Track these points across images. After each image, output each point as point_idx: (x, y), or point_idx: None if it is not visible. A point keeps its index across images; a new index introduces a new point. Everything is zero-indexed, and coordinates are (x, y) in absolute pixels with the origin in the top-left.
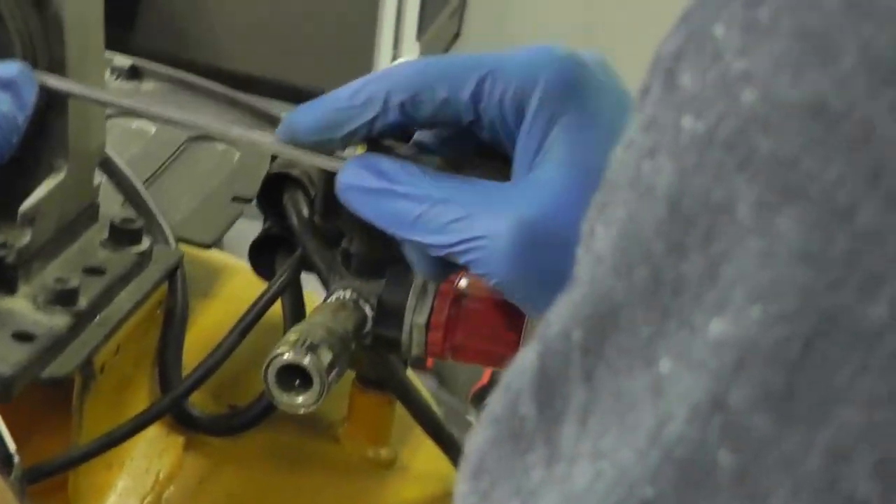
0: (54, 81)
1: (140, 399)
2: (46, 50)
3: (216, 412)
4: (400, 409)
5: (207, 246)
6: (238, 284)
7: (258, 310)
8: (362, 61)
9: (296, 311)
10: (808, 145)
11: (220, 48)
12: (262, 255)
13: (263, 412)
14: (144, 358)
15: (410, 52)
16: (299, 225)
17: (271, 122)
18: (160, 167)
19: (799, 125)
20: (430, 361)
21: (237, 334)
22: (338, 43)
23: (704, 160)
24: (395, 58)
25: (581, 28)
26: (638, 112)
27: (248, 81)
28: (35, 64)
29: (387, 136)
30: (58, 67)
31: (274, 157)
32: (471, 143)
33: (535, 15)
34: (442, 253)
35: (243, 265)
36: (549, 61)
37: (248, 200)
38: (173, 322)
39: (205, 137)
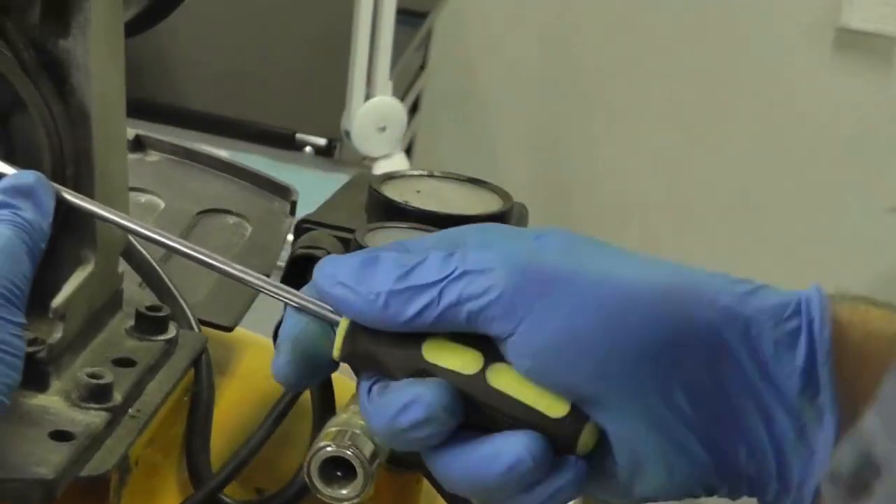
0: (68, 196)
1: (169, 487)
2: (71, 138)
3: (243, 496)
4: (426, 485)
5: (229, 329)
6: (256, 360)
7: (290, 398)
8: (335, 101)
9: (325, 396)
10: None
11: (190, 91)
12: None
13: (294, 497)
14: (173, 446)
15: (384, 90)
16: None
17: (278, 191)
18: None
19: None
20: None
21: (270, 423)
22: (310, 83)
23: None
24: (368, 96)
25: (543, 57)
26: None
27: (219, 124)
28: (62, 150)
29: None
30: (83, 156)
31: (297, 236)
32: None
33: (499, 44)
34: (435, 292)
35: (258, 338)
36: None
37: (266, 276)
38: (200, 408)
39: (215, 210)
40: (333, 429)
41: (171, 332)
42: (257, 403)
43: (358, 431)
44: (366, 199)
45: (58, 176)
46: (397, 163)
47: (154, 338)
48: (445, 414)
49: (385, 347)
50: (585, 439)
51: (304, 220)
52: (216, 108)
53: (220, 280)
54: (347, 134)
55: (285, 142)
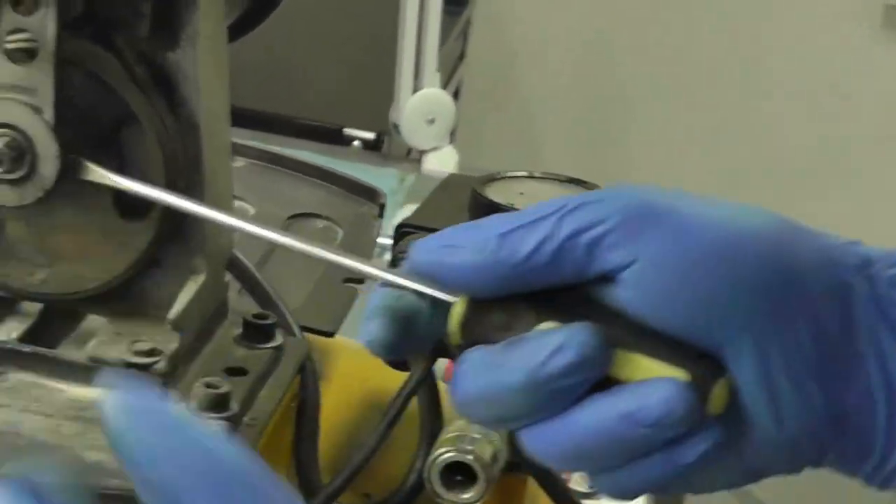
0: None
1: None
2: (183, 149)
3: (352, 502)
4: (531, 487)
5: (331, 334)
6: (350, 364)
7: (398, 406)
8: (382, 94)
9: (432, 401)
10: None
11: (236, 88)
12: None
13: (404, 502)
14: (283, 453)
15: (432, 82)
16: None
17: (366, 193)
18: (269, 249)
19: None
20: None
21: (382, 430)
22: (357, 78)
23: None
24: (416, 89)
25: (583, 44)
26: None
27: (267, 121)
28: (175, 162)
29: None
30: (193, 167)
31: (396, 241)
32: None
33: (538, 31)
34: (552, 221)
35: (350, 342)
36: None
37: (360, 281)
38: (307, 414)
39: (305, 215)
40: (452, 434)
41: (278, 339)
42: (356, 408)
43: (477, 436)
44: (468, 202)
45: (172, 188)
46: (447, 155)
47: (262, 346)
48: (599, 354)
49: (509, 315)
50: (718, 394)
51: (403, 224)
52: (263, 105)
53: (317, 285)
54: (396, 127)
55: (333, 137)
